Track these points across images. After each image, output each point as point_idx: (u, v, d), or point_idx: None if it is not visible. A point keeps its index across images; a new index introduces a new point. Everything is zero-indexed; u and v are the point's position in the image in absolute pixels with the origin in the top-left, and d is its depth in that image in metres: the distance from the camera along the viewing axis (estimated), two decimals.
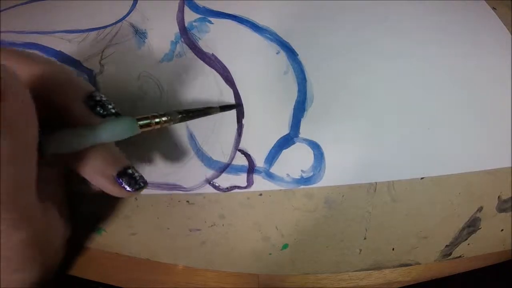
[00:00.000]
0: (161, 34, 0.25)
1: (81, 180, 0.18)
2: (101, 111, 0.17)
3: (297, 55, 0.24)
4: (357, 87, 0.23)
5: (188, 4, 0.25)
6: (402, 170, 0.22)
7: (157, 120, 0.18)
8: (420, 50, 0.24)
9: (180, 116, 0.19)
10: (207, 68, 0.24)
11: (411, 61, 0.24)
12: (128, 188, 0.17)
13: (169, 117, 0.19)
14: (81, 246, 0.23)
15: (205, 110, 0.21)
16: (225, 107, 0.22)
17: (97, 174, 0.17)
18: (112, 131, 0.16)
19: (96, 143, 0.16)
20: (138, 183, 0.18)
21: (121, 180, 0.17)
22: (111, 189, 0.17)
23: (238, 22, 0.25)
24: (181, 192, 0.22)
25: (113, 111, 0.17)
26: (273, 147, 0.22)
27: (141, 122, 0.17)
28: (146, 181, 0.18)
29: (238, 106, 0.22)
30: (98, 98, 0.17)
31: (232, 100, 0.23)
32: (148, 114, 0.18)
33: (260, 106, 0.23)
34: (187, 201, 0.22)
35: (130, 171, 0.18)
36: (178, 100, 0.23)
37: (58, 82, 0.17)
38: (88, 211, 0.23)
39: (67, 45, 0.25)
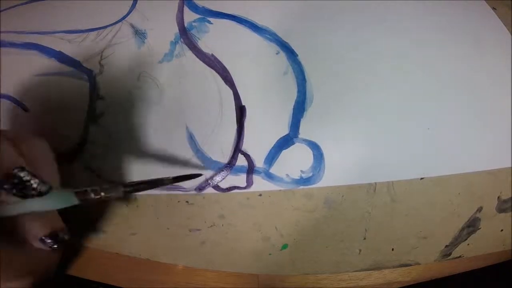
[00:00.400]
0: (161, 34, 0.25)
1: None
2: (19, 193, 0.16)
3: (297, 55, 0.24)
4: (356, 87, 0.23)
5: (187, 4, 0.25)
6: (401, 170, 0.22)
7: (95, 194, 0.17)
8: (420, 50, 0.24)
9: (124, 189, 0.18)
10: (206, 68, 0.24)
11: (411, 61, 0.24)
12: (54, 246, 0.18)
13: (109, 192, 0.17)
14: (81, 246, 0.23)
15: (156, 182, 0.19)
16: (178, 178, 0.19)
17: (27, 236, 0.18)
18: (47, 204, 0.17)
19: (28, 211, 0.16)
20: (60, 241, 0.18)
21: (46, 240, 0.18)
22: (38, 245, 0.18)
23: (238, 22, 0.25)
24: (181, 192, 0.22)
25: (34, 192, 0.16)
26: (272, 147, 0.22)
27: (79, 197, 0.17)
28: (67, 239, 0.19)
29: (193, 177, 0.20)
30: (16, 181, 0.16)
31: (231, 101, 0.23)
32: (88, 187, 0.17)
33: (260, 106, 0.23)
34: (187, 202, 0.22)
35: (53, 239, 0.18)
36: (177, 100, 0.23)
37: None
38: (87, 213, 0.23)
39: (67, 45, 0.25)
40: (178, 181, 0.19)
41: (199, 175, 0.21)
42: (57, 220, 0.19)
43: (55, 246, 0.18)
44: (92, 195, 0.17)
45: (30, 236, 0.18)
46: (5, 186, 0.16)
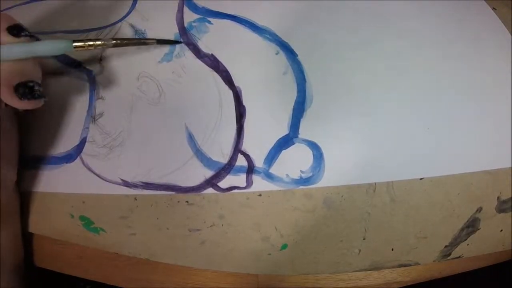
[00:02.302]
0: (161, 34, 0.25)
1: None
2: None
3: (297, 55, 0.24)
4: (356, 87, 0.23)
5: (187, 4, 0.25)
6: (401, 170, 0.22)
7: (90, 43, 0.20)
8: (420, 50, 0.24)
9: (114, 42, 0.21)
10: (206, 68, 0.24)
11: (411, 61, 0.24)
12: (21, 98, 0.18)
13: (102, 42, 0.21)
14: (81, 246, 0.23)
15: (140, 40, 0.24)
16: (163, 41, 0.24)
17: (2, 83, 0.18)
18: (48, 46, 0.19)
19: (34, 55, 0.18)
20: (33, 95, 0.18)
21: (18, 91, 0.18)
22: (6, 97, 0.18)
23: (237, 22, 0.25)
24: (180, 192, 0.22)
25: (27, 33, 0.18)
26: (272, 147, 0.22)
27: (76, 44, 0.20)
28: (44, 95, 0.19)
29: (177, 42, 0.24)
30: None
31: (231, 101, 0.23)
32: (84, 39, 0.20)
33: (260, 106, 0.23)
34: (187, 202, 0.22)
35: (31, 84, 0.18)
36: (177, 100, 0.23)
37: None
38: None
39: None
40: (161, 44, 0.24)
41: (180, 42, 0.24)
42: (37, 70, 0.19)
43: (27, 98, 0.18)
44: (87, 44, 0.20)
45: (5, 83, 0.17)
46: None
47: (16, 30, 0.18)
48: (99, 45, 0.21)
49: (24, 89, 0.18)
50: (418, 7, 0.26)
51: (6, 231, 0.21)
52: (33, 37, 0.19)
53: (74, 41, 0.20)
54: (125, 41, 0.22)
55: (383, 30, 0.25)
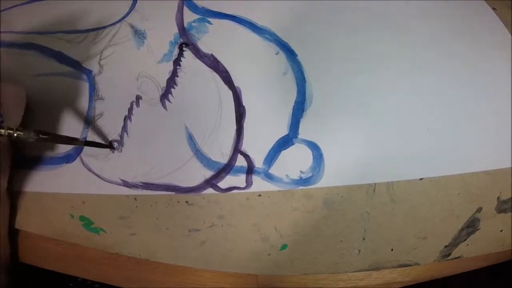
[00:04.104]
0: (160, 35, 0.25)
1: None
2: None
3: (296, 55, 0.24)
4: (356, 87, 0.23)
5: (187, 5, 0.25)
6: (401, 170, 0.22)
7: (10, 131, 0.18)
8: (420, 50, 0.24)
9: (35, 135, 0.19)
10: (206, 68, 0.24)
11: (410, 61, 0.24)
12: None
13: (22, 135, 0.18)
14: (81, 246, 0.23)
15: (68, 139, 0.21)
16: (90, 143, 0.22)
17: None
18: None
19: None
20: None
21: None
22: None
23: (237, 22, 0.25)
24: (180, 192, 0.22)
25: None
26: (272, 148, 0.22)
27: None
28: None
29: (106, 146, 0.23)
30: None
31: (231, 101, 0.23)
32: (4, 126, 0.18)
33: (259, 106, 0.23)
34: (186, 202, 0.22)
35: None
36: (177, 100, 0.23)
37: None
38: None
39: (66, 46, 0.25)
40: (89, 146, 0.22)
41: (110, 146, 0.23)
42: None
43: None
44: (5, 133, 0.18)
45: None
46: None
47: None
48: (19, 136, 0.18)
49: None
50: (418, 7, 0.26)
51: None
52: None
53: None
54: (49, 137, 0.20)
55: (383, 30, 0.25)
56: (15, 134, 0.19)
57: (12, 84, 0.21)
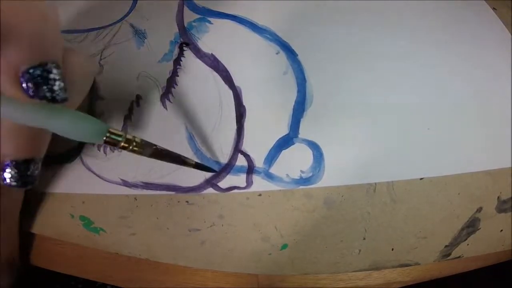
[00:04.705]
0: (161, 34, 0.25)
1: None
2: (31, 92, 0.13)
3: (297, 55, 0.24)
4: (356, 87, 0.23)
5: (187, 4, 0.25)
6: (401, 170, 0.22)
7: (125, 144, 0.16)
8: (420, 50, 0.24)
9: (151, 151, 0.17)
10: (206, 68, 0.24)
11: (410, 61, 0.24)
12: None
13: (139, 148, 0.16)
14: (81, 246, 0.23)
15: (179, 159, 0.19)
16: (200, 166, 0.19)
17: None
18: (72, 128, 0.14)
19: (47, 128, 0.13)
20: (22, 176, 0.14)
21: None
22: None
23: (238, 22, 0.25)
24: (180, 192, 0.22)
25: (48, 94, 0.13)
26: (272, 147, 0.22)
27: (111, 135, 0.15)
28: (34, 181, 0.15)
29: (213, 171, 0.21)
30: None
31: (231, 101, 0.23)
32: (123, 133, 0.16)
33: (260, 106, 0.23)
34: (187, 201, 0.22)
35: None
36: (177, 100, 0.23)
37: None
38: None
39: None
40: (197, 168, 0.19)
41: (215, 171, 0.21)
42: (44, 142, 0.14)
43: (18, 180, 0.13)
44: (122, 142, 0.15)
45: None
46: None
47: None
48: (132, 149, 0.16)
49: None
50: (418, 7, 0.26)
51: (3, 226, 0.21)
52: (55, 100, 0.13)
53: (110, 130, 0.15)
54: (164, 153, 0.18)
55: (383, 30, 0.25)
56: (130, 147, 0.15)
57: (83, 54, 0.16)
